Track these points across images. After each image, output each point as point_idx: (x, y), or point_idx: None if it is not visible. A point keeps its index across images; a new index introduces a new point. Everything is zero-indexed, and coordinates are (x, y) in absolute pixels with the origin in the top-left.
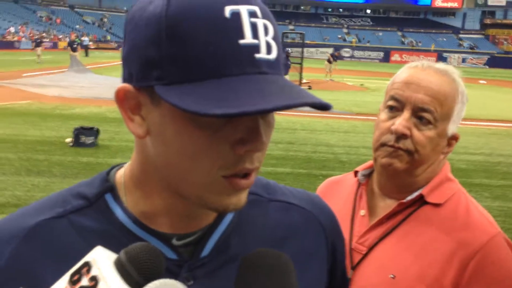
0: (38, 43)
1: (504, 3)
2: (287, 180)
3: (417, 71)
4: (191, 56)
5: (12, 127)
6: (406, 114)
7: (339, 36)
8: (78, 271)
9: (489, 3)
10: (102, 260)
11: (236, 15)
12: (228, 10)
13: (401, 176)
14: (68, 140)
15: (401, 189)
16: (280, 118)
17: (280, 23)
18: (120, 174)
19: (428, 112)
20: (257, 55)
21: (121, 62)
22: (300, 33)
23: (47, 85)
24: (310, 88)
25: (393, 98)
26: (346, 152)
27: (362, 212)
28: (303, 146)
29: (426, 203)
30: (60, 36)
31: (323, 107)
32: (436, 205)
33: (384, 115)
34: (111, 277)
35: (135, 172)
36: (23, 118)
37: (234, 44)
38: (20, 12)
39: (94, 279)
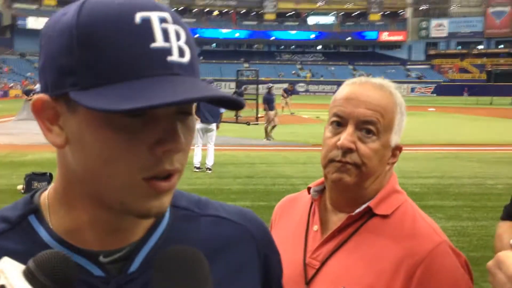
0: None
1: (445, 34)
2: None
3: (355, 87)
4: (103, 61)
5: None
6: (350, 128)
7: (293, 71)
8: None
9: (432, 35)
10: (9, 269)
11: (146, 21)
12: (138, 16)
13: (351, 189)
14: (20, 187)
15: (352, 203)
16: (239, 153)
17: (235, 61)
18: (44, 195)
19: (371, 124)
20: (169, 58)
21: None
22: (255, 70)
23: (16, 133)
24: None
25: (336, 115)
26: (304, 182)
27: (315, 227)
28: (262, 179)
29: (374, 215)
30: (11, 85)
31: (234, 103)
32: (384, 216)
33: (329, 132)
34: (19, 284)
35: (58, 189)
36: None
37: (146, 48)
38: None
39: None
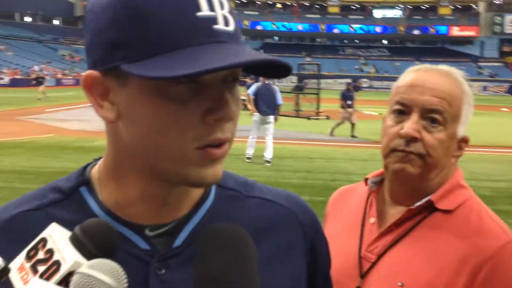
0: (40, 82)
1: None
2: None
3: (420, 74)
4: (151, 32)
5: (35, 160)
6: (414, 117)
7: (356, 66)
8: (34, 247)
9: (506, 31)
10: (57, 234)
11: None
12: None
13: (414, 181)
14: None
15: (413, 195)
16: (298, 147)
17: (297, 55)
18: (96, 168)
19: (437, 112)
20: (215, 26)
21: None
22: (316, 64)
23: (68, 120)
24: (328, 118)
25: (399, 102)
26: None
27: (372, 219)
28: (321, 174)
29: (436, 209)
30: (83, 73)
31: (284, 68)
32: (447, 211)
33: (390, 120)
34: (66, 247)
35: (109, 163)
36: (45, 151)
37: (192, 17)
38: (43, 51)
39: (49, 252)
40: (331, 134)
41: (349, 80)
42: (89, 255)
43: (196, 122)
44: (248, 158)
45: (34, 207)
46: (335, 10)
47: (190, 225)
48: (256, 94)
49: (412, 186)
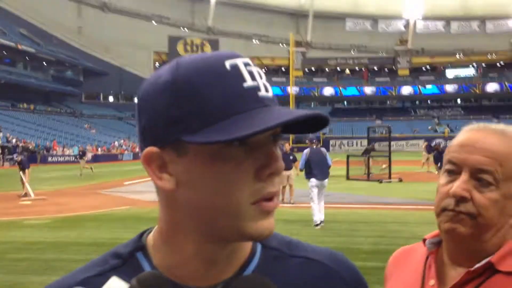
0: (81, 156)
1: None
2: (379, 275)
3: (472, 133)
4: (206, 105)
5: (112, 231)
6: (463, 176)
7: (429, 127)
8: None
9: None
10: (116, 286)
11: (235, 66)
12: (227, 63)
13: (468, 241)
14: None
15: (471, 257)
16: (369, 211)
17: (366, 119)
18: (151, 235)
19: (486, 172)
20: (260, 93)
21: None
22: (387, 126)
23: (144, 191)
24: (400, 180)
25: (450, 161)
26: None
27: (431, 282)
28: (395, 239)
29: (497, 271)
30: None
31: (322, 118)
32: (509, 273)
33: (443, 179)
34: None
35: (163, 228)
36: (121, 222)
37: (240, 88)
38: (124, 127)
39: None
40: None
41: (437, 140)
42: None
43: (250, 179)
44: (317, 225)
45: (97, 273)
46: (405, 72)
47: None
48: (308, 160)
49: (467, 247)
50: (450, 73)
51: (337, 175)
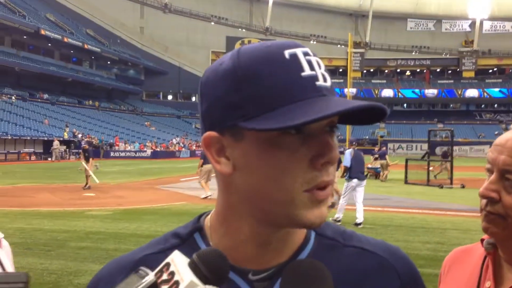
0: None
1: None
2: (436, 283)
3: (507, 134)
4: (265, 92)
5: (168, 225)
6: (493, 176)
7: (496, 132)
8: (160, 270)
9: None
10: (178, 259)
11: (294, 55)
12: (287, 53)
13: (506, 242)
14: None
15: None
16: (429, 217)
17: (427, 122)
18: (208, 217)
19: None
20: (317, 83)
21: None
22: (449, 130)
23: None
24: (463, 187)
25: (487, 161)
26: None
27: (488, 283)
28: (454, 246)
29: None
30: None
31: (380, 109)
32: None
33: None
34: (184, 270)
35: (220, 211)
36: (177, 217)
37: (298, 76)
38: (181, 125)
39: (171, 274)
40: None
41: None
42: (203, 278)
43: (305, 167)
44: (338, 221)
45: (158, 251)
46: (470, 74)
47: None
48: (352, 160)
49: (508, 247)
50: None
51: (395, 178)
